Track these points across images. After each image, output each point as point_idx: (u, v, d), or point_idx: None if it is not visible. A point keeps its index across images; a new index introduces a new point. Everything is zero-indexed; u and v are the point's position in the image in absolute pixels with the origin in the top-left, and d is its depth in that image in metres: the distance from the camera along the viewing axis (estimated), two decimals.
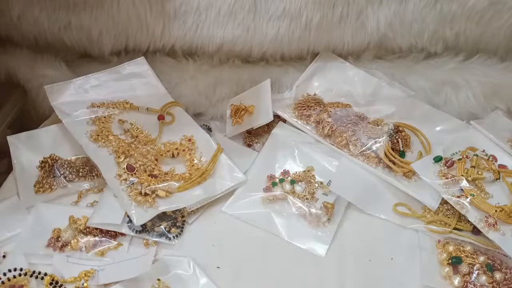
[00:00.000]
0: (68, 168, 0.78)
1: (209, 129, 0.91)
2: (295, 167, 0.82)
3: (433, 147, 0.85)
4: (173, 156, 0.82)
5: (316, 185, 0.79)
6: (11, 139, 0.79)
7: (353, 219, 0.77)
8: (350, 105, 0.90)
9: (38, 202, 0.75)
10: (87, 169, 0.79)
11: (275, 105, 0.86)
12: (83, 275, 0.67)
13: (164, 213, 0.74)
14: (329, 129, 0.84)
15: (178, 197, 0.75)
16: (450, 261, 0.70)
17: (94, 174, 0.79)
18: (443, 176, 0.76)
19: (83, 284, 0.66)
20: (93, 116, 0.84)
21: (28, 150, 0.79)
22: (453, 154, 0.81)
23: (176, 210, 0.74)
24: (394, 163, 0.79)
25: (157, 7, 0.85)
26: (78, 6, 0.84)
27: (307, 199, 0.77)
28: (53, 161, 0.78)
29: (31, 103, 0.90)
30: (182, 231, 0.74)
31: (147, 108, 0.87)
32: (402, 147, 0.83)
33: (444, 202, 0.76)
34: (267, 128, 0.89)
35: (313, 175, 0.81)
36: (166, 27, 0.87)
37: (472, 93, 0.89)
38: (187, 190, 0.76)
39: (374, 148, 0.81)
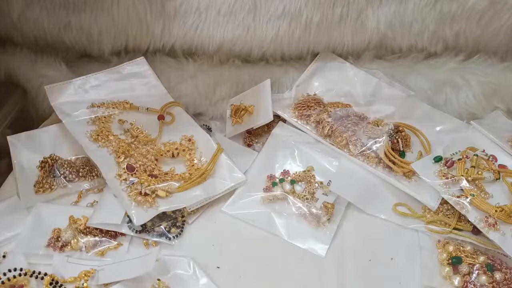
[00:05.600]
0: (68, 168, 0.78)
1: (209, 129, 0.91)
2: (295, 167, 0.82)
3: (433, 147, 0.84)
4: (173, 156, 0.82)
5: (316, 185, 0.79)
6: (11, 139, 0.79)
7: (353, 219, 0.77)
8: (350, 105, 0.90)
9: (38, 202, 0.75)
10: (87, 169, 0.79)
11: (275, 105, 0.86)
12: (83, 275, 0.67)
13: (164, 213, 0.74)
14: (329, 129, 0.84)
15: (178, 197, 0.75)
16: (450, 261, 0.70)
17: (94, 174, 0.79)
18: (443, 176, 0.76)
19: (83, 284, 0.66)
20: (93, 116, 0.84)
21: (28, 150, 0.79)
22: (453, 154, 0.81)
23: (176, 210, 0.74)
24: (394, 163, 0.79)
25: (157, 7, 0.85)
26: (78, 6, 0.84)
27: (307, 199, 0.77)
28: (53, 161, 0.78)
29: (31, 103, 0.89)
30: (182, 231, 0.74)
31: (147, 108, 0.87)
32: (402, 147, 0.83)
33: (444, 202, 0.76)
34: (267, 128, 0.89)
35: (313, 175, 0.81)
36: (166, 27, 0.87)
37: (472, 93, 0.89)
38: (187, 190, 0.76)
39: (374, 148, 0.81)
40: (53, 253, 0.69)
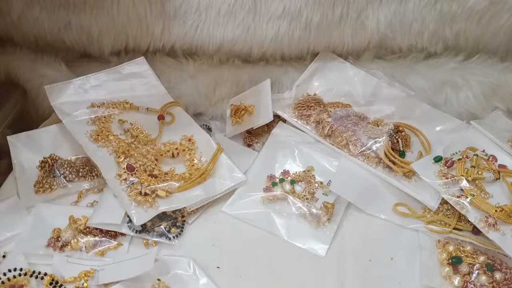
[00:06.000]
0: (68, 168, 0.78)
1: (209, 129, 0.91)
2: (295, 167, 0.82)
3: (433, 147, 0.85)
4: (173, 156, 0.82)
5: (316, 185, 0.79)
6: (11, 139, 0.79)
7: (353, 219, 0.77)
8: (350, 105, 0.90)
9: (38, 202, 0.75)
10: (87, 169, 0.79)
11: (275, 105, 0.86)
12: (83, 275, 0.67)
13: (164, 213, 0.74)
14: (329, 129, 0.84)
15: (178, 197, 0.75)
16: (450, 261, 0.70)
17: (94, 174, 0.79)
18: (443, 176, 0.76)
19: (83, 284, 0.66)
20: (93, 116, 0.84)
21: (28, 150, 0.79)
22: (453, 154, 0.81)
23: (176, 210, 0.74)
24: (394, 163, 0.79)
25: (157, 7, 0.85)
26: (78, 6, 0.84)
27: (307, 199, 0.77)
28: (53, 161, 0.78)
29: (31, 103, 0.89)
30: (182, 231, 0.74)
31: (147, 108, 0.87)
32: (402, 147, 0.83)
33: (444, 202, 0.76)
34: (267, 128, 0.89)
35: (313, 175, 0.81)
36: (166, 27, 0.87)
37: (472, 93, 0.89)
38: (187, 190, 0.76)
39: (374, 148, 0.81)
40: (53, 253, 0.69)
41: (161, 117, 0.86)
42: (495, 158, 0.81)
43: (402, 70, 0.92)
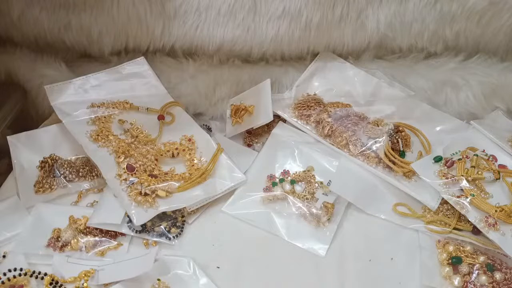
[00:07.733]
0: (68, 168, 0.78)
1: (209, 129, 0.91)
2: (295, 167, 0.82)
3: (433, 147, 0.85)
4: (173, 156, 0.82)
5: (316, 185, 0.79)
6: (11, 139, 0.79)
7: (353, 219, 0.77)
8: (350, 105, 0.90)
9: (38, 202, 0.75)
10: (87, 169, 0.79)
11: (275, 105, 0.86)
12: (83, 275, 0.67)
13: (164, 213, 0.74)
14: (329, 129, 0.84)
15: (178, 197, 0.75)
16: (450, 261, 0.70)
17: (94, 174, 0.79)
18: (443, 176, 0.76)
19: (83, 284, 0.66)
20: (93, 116, 0.84)
21: (28, 150, 0.79)
22: (453, 154, 0.81)
23: (176, 210, 0.74)
24: (394, 163, 0.79)
25: (157, 7, 0.85)
26: (78, 6, 0.84)
27: (307, 199, 0.77)
28: (53, 161, 0.78)
29: (31, 103, 0.90)
30: (182, 231, 0.74)
31: (147, 108, 0.87)
32: (402, 147, 0.83)
33: (444, 202, 0.76)
34: (267, 128, 0.89)
35: (313, 175, 0.81)
36: (166, 27, 0.87)
37: (472, 93, 0.89)
38: (187, 190, 0.76)
39: (374, 148, 0.81)
40: (53, 253, 0.69)
41: (161, 117, 0.86)
42: (495, 158, 0.81)
43: (402, 70, 0.92)
